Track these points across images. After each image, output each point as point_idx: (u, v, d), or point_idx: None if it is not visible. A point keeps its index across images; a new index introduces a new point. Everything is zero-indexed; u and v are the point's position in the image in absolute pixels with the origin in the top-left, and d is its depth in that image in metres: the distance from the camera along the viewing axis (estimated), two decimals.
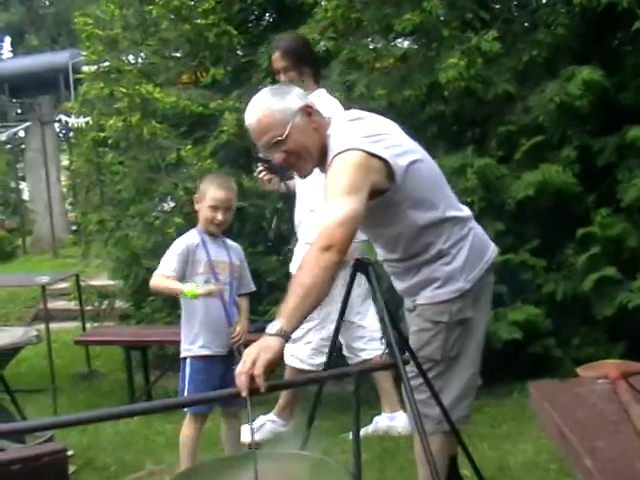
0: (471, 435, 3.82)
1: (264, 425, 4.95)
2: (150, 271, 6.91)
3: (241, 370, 2.55)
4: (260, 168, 4.68)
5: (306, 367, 4.91)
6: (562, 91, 5.39)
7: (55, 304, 7.27)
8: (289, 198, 5.04)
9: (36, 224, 16.55)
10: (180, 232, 6.64)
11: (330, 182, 2.91)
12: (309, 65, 4.84)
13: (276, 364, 2.63)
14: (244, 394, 2.52)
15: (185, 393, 4.08)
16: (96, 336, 6.75)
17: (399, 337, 3.21)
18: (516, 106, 5.79)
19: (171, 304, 6.89)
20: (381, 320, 3.22)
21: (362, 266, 3.20)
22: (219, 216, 4.18)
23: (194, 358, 4.18)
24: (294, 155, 3.03)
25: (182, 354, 4.25)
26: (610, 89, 5.51)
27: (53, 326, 6.55)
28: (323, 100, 4.61)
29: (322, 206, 2.96)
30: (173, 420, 5.30)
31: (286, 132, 2.97)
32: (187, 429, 4.20)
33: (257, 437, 4.28)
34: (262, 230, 6.43)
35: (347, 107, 3.98)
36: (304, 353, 4.93)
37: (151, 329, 6.79)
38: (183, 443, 4.18)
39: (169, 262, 4.16)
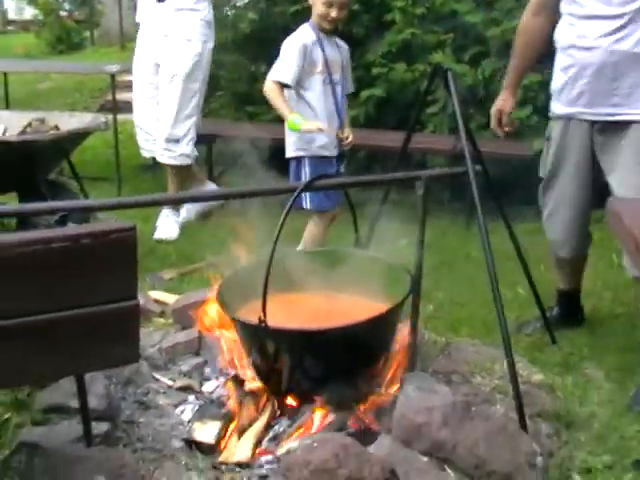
0: (530, 256, 3.78)
1: None
2: (220, 65, 6.94)
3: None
4: None
5: (192, 162, 5.41)
6: None
7: (122, 95, 7.22)
8: None
9: (104, 16, 16.32)
10: (254, 29, 6.63)
11: None
12: None
13: None
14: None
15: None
16: None
17: (473, 147, 3.16)
18: None
19: (239, 100, 6.85)
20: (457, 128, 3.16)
21: (441, 70, 3.12)
22: (333, 13, 4.06)
23: (312, 158, 4.17)
24: None
25: (294, 153, 4.23)
26: None
27: (120, 117, 6.54)
28: None
29: None
30: (233, 215, 5.36)
31: None
32: (314, 227, 4.24)
33: None
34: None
35: None
36: (189, 149, 5.33)
37: (218, 124, 6.77)
38: (310, 241, 4.23)
39: (288, 65, 4.06)
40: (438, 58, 5.75)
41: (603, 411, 3.08)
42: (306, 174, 4.16)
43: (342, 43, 4.30)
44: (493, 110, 3.68)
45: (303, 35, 4.10)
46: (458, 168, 3.03)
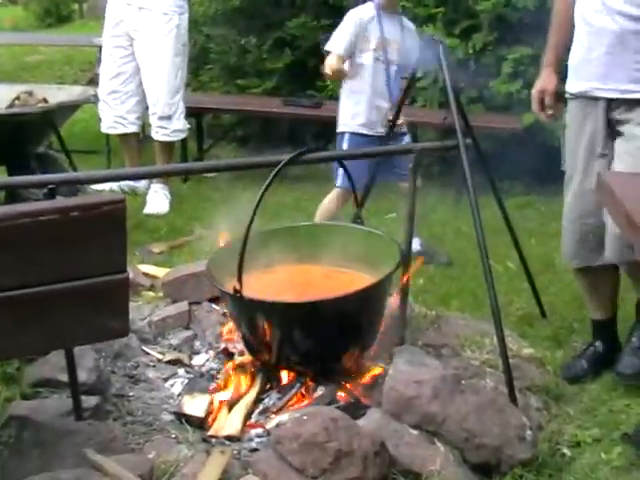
0: (520, 230, 3.79)
1: None
2: (210, 38, 6.89)
3: None
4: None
5: (185, 135, 5.59)
6: None
7: None
8: None
9: None
10: (243, 1, 6.60)
11: None
12: None
13: None
14: None
15: (339, 169, 3.89)
16: None
17: (464, 120, 3.15)
18: None
19: (228, 73, 6.82)
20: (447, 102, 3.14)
21: (433, 41, 3.10)
22: None
23: (353, 134, 4.15)
24: None
25: (340, 128, 4.23)
26: None
27: None
28: None
29: None
30: (220, 187, 5.38)
31: None
32: (330, 203, 4.22)
33: None
34: (327, 4, 6.27)
35: None
36: (181, 124, 5.39)
37: (207, 97, 6.77)
38: (321, 215, 4.20)
39: (341, 36, 4.07)
40: (429, 31, 5.72)
41: (592, 385, 3.09)
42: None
43: (409, 24, 4.28)
44: (534, 92, 3.24)
45: (362, 10, 4.12)
46: (449, 141, 3.02)
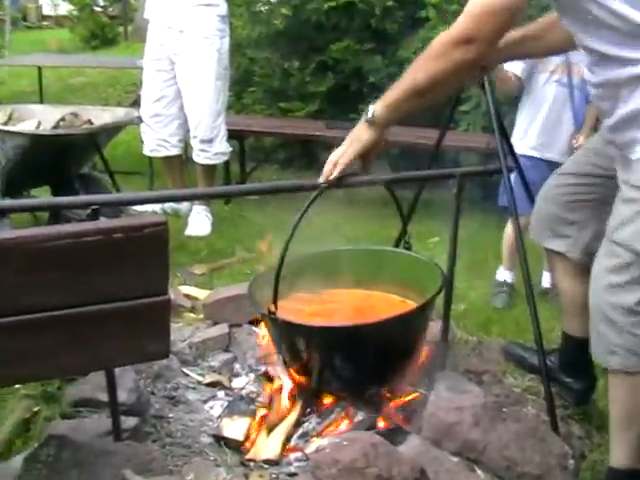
0: None
1: None
2: (253, 61, 6.93)
3: (330, 159, 2.51)
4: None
5: (227, 158, 5.65)
6: None
7: None
8: None
9: (138, 11, 16.34)
10: (287, 24, 6.64)
11: None
12: None
13: (367, 155, 2.52)
14: (320, 180, 2.49)
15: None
16: None
17: (507, 144, 3.12)
18: None
19: (271, 96, 6.86)
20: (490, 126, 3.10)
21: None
22: None
23: (523, 157, 3.82)
24: None
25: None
26: None
27: None
28: None
29: None
30: (262, 210, 5.40)
31: None
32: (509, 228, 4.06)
33: None
34: (370, 28, 6.28)
35: None
36: (224, 147, 5.40)
37: (250, 119, 6.79)
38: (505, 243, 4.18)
39: None
40: None
41: None
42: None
43: None
44: None
45: None
46: (492, 165, 3.00)
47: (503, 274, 4.29)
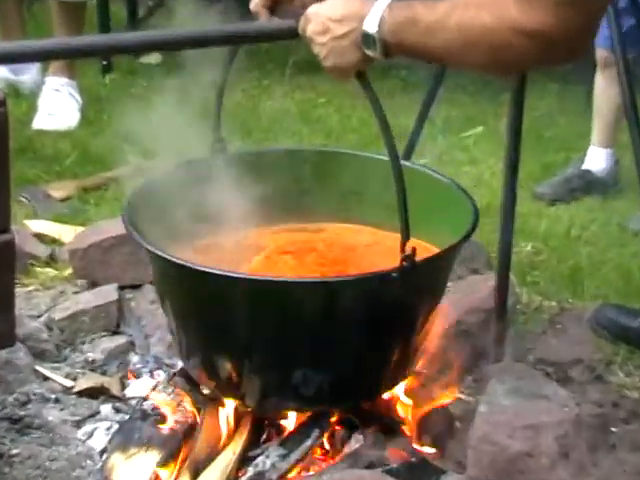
0: None
1: None
2: None
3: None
4: None
5: None
6: None
7: None
8: None
9: None
10: None
11: None
12: None
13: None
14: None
15: None
16: None
17: None
18: None
19: None
20: None
21: None
22: None
23: None
24: None
25: None
26: None
27: None
28: None
29: None
30: (169, 82, 4.88)
31: None
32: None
33: None
34: None
35: None
36: None
37: None
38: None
39: None
40: None
41: None
42: None
43: None
44: None
45: None
46: None
47: (597, 155, 3.82)
